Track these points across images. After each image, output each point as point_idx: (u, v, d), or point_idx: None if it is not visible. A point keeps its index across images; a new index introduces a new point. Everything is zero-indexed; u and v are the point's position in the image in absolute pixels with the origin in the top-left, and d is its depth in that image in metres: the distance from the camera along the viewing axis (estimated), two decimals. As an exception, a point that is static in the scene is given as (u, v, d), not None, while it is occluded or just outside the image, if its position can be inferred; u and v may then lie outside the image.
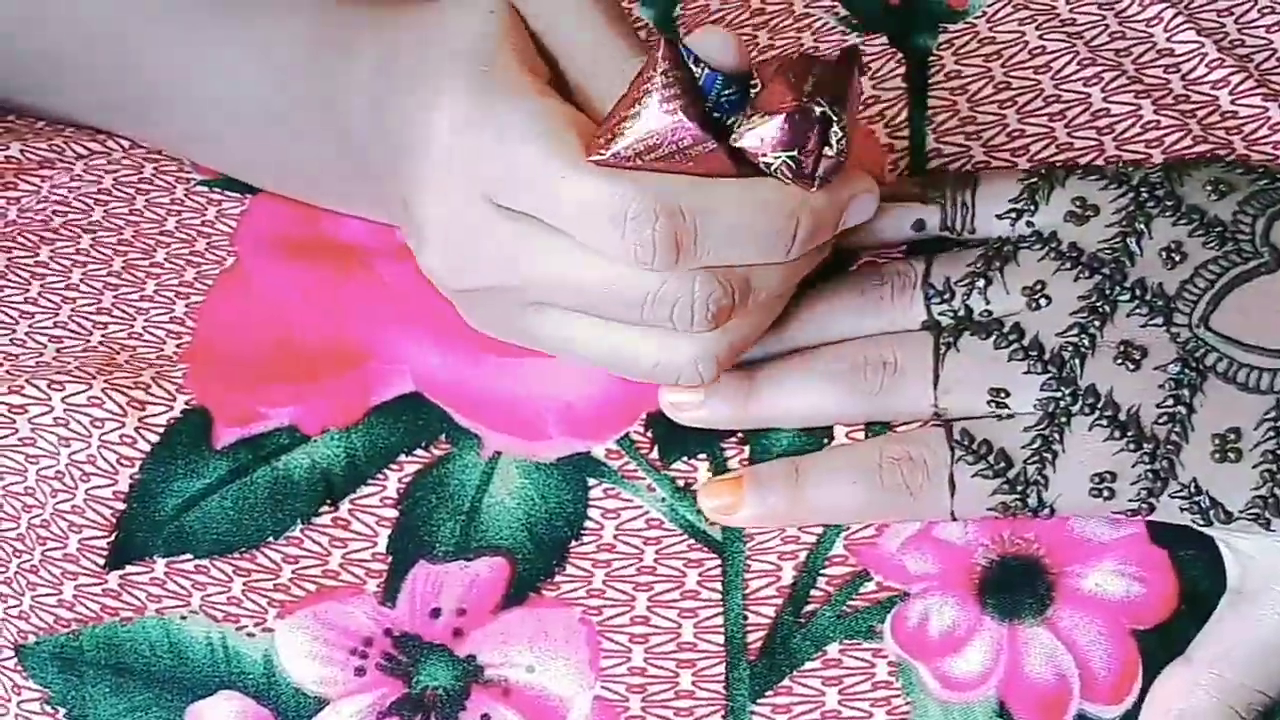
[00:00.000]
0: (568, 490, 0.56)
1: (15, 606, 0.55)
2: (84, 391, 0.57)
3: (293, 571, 0.55)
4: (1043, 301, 0.54)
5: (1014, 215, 0.55)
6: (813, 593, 0.54)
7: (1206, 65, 0.58)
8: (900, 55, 0.60)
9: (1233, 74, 0.58)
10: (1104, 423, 0.52)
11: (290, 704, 0.54)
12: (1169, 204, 0.54)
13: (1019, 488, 0.52)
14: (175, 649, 0.54)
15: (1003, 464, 0.52)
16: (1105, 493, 0.52)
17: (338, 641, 0.54)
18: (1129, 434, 0.52)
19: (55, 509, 0.56)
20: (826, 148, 0.49)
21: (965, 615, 0.53)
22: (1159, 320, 0.53)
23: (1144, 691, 0.52)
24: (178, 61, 0.59)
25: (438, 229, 0.52)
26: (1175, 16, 0.59)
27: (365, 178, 0.56)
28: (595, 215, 0.49)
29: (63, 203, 0.62)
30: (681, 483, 0.55)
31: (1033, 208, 0.55)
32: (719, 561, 0.54)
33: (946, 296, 0.55)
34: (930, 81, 0.60)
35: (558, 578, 0.54)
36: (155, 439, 0.56)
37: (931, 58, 0.60)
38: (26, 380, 0.57)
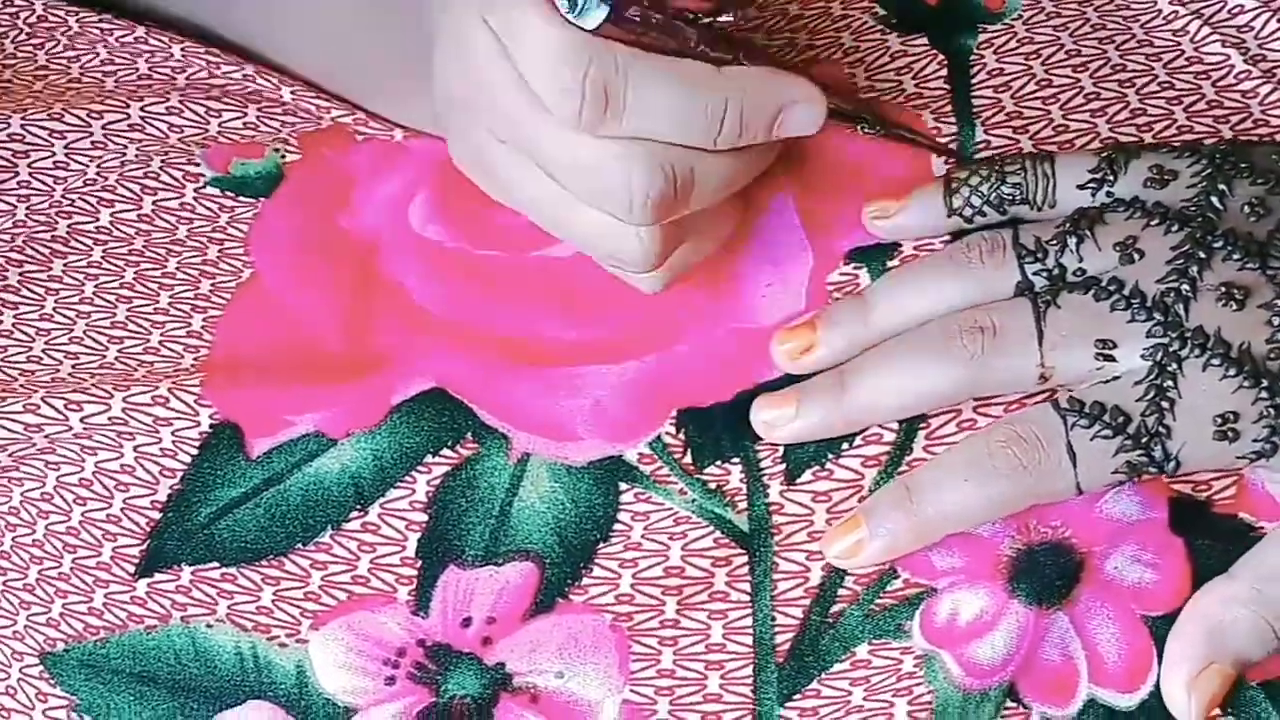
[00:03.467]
0: (599, 495, 0.55)
1: (42, 614, 0.55)
2: (104, 412, 0.56)
3: (322, 579, 0.54)
4: (1136, 255, 0.53)
5: (1095, 185, 0.55)
6: (840, 592, 0.53)
7: (1235, 76, 0.58)
8: (941, 57, 0.59)
9: (1261, 84, 0.58)
10: (1217, 362, 0.51)
11: (320, 714, 0.53)
12: (1244, 166, 0.54)
13: (1142, 441, 0.51)
14: (202, 658, 0.54)
15: (1121, 419, 0.51)
16: (1230, 434, 0.51)
17: (371, 652, 0.53)
18: (1245, 370, 0.51)
19: (85, 516, 0.55)
20: None
21: (993, 602, 0.52)
22: (1254, 264, 0.52)
23: (1160, 681, 0.51)
24: None
25: (441, 41, 0.54)
26: (1201, 27, 0.59)
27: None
28: (539, 53, 0.50)
29: (70, 203, 0.61)
30: (714, 485, 0.54)
31: (1112, 177, 0.55)
32: (746, 559, 0.53)
33: (1040, 255, 0.54)
34: (973, 80, 0.59)
35: (585, 581, 0.54)
36: (194, 451, 0.56)
37: (973, 56, 0.59)
38: (43, 398, 0.57)
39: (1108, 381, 0.52)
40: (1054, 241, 0.54)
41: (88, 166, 0.62)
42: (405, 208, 0.60)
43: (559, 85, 0.50)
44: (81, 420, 0.56)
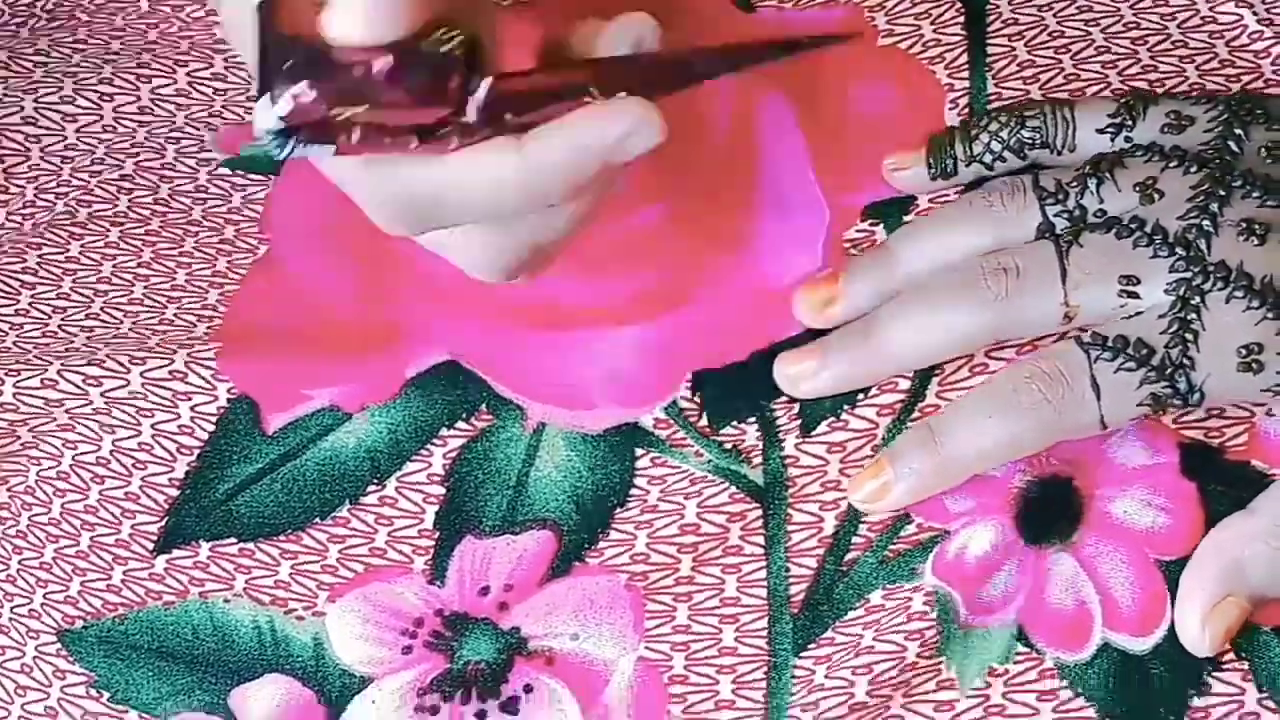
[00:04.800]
0: (615, 461, 0.54)
1: (59, 592, 0.54)
2: (123, 386, 0.56)
3: (340, 552, 0.54)
4: (1156, 195, 0.52)
5: (1114, 130, 0.54)
6: (854, 540, 0.52)
7: (1248, 36, 0.58)
8: (959, 5, 0.59)
9: (1273, 44, 0.57)
10: (1240, 293, 0.51)
11: (335, 684, 0.53)
12: (1259, 113, 0.54)
13: (1166, 372, 0.51)
14: (220, 632, 0.54)
15: (1144, 351, 0.51)
16: (1255, 365, 0.50)
17: (388, 623, 0.53)
18: (1268, 301, 0.50)
19: (104, 494, 0.55)
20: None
21: (1002, 537, 0.51)
22: (1274, 201, 0.52)
23: (1174, 624, 0.50)
24: None
25: None
26: None
27: None
28: (352, 191, 0.47)
29: (86, 190, 0.62)
30: (729, 445, 0.54)
31: (1131, 123, 0.54)
32: (760, 512, 0.53)
33: (1060, 197, 0.53)
34: (988, 29, 0.59)
35: (601, 544, 0.53)
36: (211, 428, 0.56)
37: (989, 6, 0.59)
38: (59, 371, 0.57)
39: (1131, 318, 0.51)
40: (1074, 183, 0.53)
41: (96, 147, 0.62)
42: None
43: (379, 221, 0.47)
44: (102, 395, 0.56)
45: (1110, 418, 0.51)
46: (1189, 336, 0.51)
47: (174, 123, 0.63)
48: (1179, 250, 0.51)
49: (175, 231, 0.60)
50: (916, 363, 0.53)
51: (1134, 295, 0.51)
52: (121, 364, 0.57)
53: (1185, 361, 0.51)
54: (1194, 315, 0.51)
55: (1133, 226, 0.52)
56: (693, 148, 0.58)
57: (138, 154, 0.62)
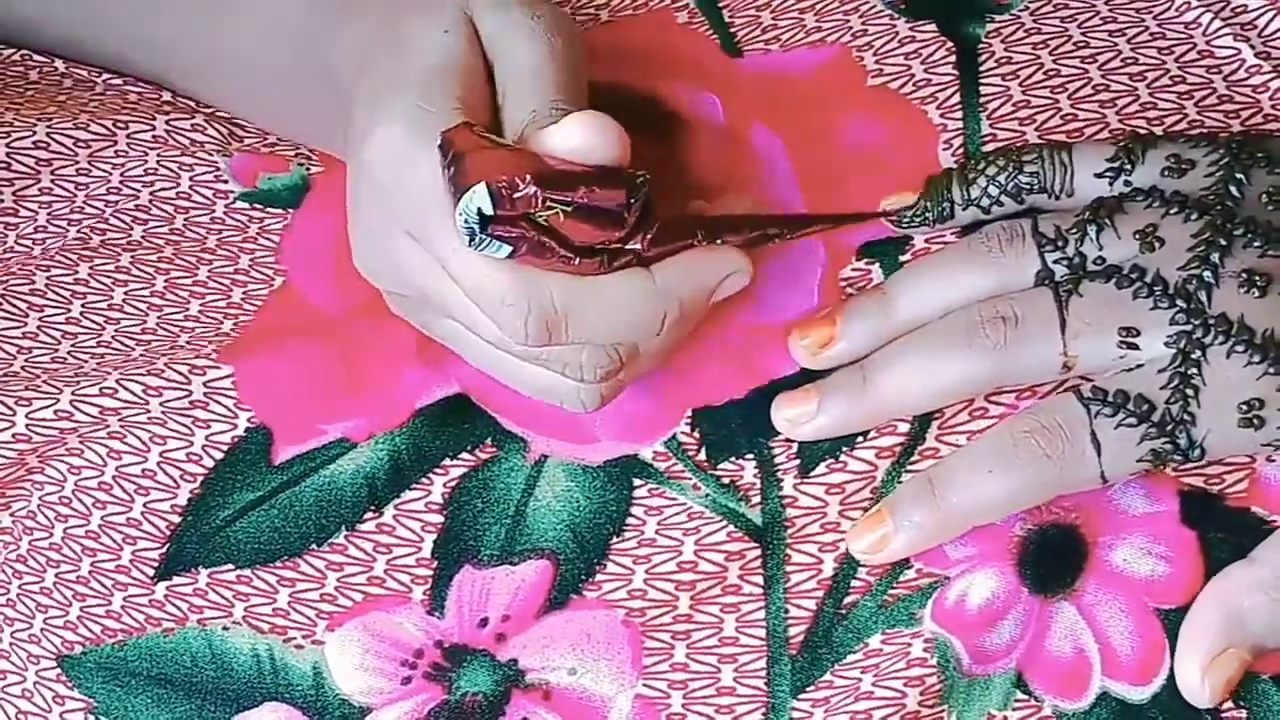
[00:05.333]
0: (613, 490, 0.54)
1: (59, 617, 0.55)
2: (143, 414, 0.56)
3: (338, 580, 0.54)
4: (1157, 243, 0.52)
5: (1112, 174, 0.54)
6: (853, 583, 0.52)
7: (1245, 70, 0.58)
8: (950, 44, 0.59)
9: (1271, 79, 0.57)
10: (1241, 348, 0.51)
11: (335, 715, 0.53)
12: (1260, 157, 0.54)
13: (1167, 429, 0.51)
14: (218, 660, 0.54)
15: (1145, 407, 0.51)
16: (1255, 421, 0.51)
17: (388, 653, 0.53)
18: (1269, 356, 0.50)
19: (105, 520, 0.55)
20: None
21: (1004, 585, 0.51)
22: (1275, 251, 0.52)
23: (1173, 672, 0.50)
24: (194, 26, 0.61)
25: (358, 235, 0.54)
26: (1213, 21, 0.59)
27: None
28: (480, 293, 0.50)
29: (100, 219, 0.61)
30: (728, 481, 0.54)
31: (1130, 166, 0.54)
32: (759, 552, 0.53)
33: (1060, 244, 0.53)
34: (981, 68, 0.58)
35: (599, 576, 0.53)
36: (220, 455, 0.56)
37: (980, 45, 0.59)
38: (71, 402, 0.57)
39: (1130, 370, 0.51)
40: (1074, 230, 0.53)
41: (110, 173, 0.62)
42: None
43: (504, 324, 0.50)
44: (120, 422, 0.56)
45: (1110, 473, 0.51)
46: (1190, 392, 0.51)
47: (188, 150, 0.63)
48: (1179, 302, 0.51)
49: (188, 260, 0.60)
50: (913, 409, 0.53)
51: (1133, 347, 0.51)
52: (136, 394, 0.57)
53: (1186, 417, 0.51)
54: (1194, 370, 0.51)
55: (1133, 276, 0.52)
56: (687, 184, 0.58)
57: (153, 183, 0.62)
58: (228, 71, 0.61)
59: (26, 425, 0.57)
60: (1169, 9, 0.59)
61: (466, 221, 0.48)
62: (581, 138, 0.49)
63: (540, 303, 0.50)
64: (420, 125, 0.51)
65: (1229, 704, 0.50)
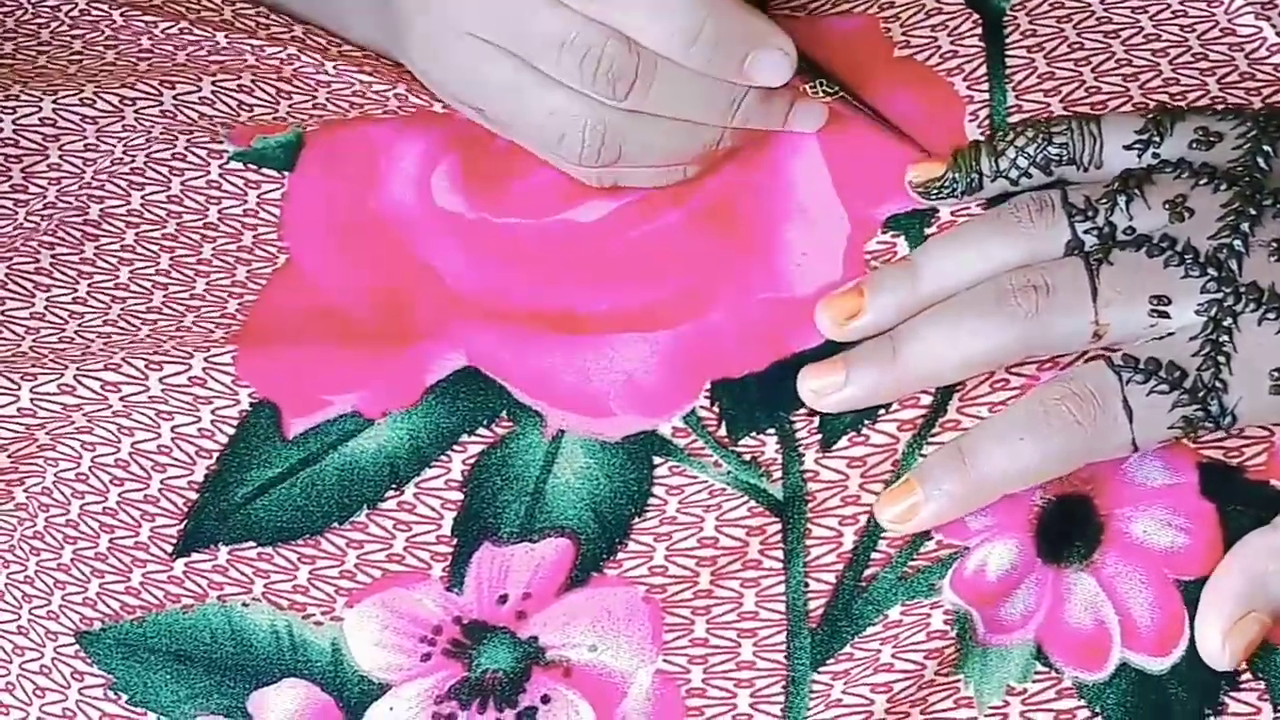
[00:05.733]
0: (633, 469, 0.54)
1: (78, 593, 0.54)
2: (143, 392, 0.56)
3: (358, 557, 0.54)
4: (1186, 213, 0.52)
5: (1141, 146, 0.54)
6: (873, 556, 0.52)
7: (1267, 49, 0.58)
8: (976, 16, 0.59)
9: None
10: (1272, 315, 0.51)
11: (354, 690, 0.52)
12: None
13: (1199, 395, 0.50)
14: (238, 636, 0.54)
15: (1177, 374, 0.50)
16: None
17: (407, 629, 0.53)
18: None
19: (123, 497, 0.55)
20: None
21: (1022, 556, 0.51)
22: None
23: (1194, 642, 0.50)
24: None
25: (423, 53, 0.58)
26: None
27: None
28: (560, 49, 0.55)
29: (99, 187, 0.61)
30: (748, 457, 0.54)
31: (1158, 138, 0.54)
32: (780, 526, 0.52)
33: (1090, 214, 0.53)
34: (1007, 39, 0.58)
35: (620, 555, 0.53)
36: (231, 431, 0.56)
37: (1006, 18, 0.59)
38: (75, 377, 0.57)
39: (1161, 338, 0.51)
40: (1104, 200, 0.53)
41: (115, 146, 0.62)
42: (428, 181, 0.60)
43: (585, 78, 0.54)
44: (121, 400, 0.56)
45: (1142, 440, 0.51)
46: (1221, 359, 0.50)
47: (195, 124, 0.62)
48: (1210, 270, 0.51)
49: (192, 236, 0.60)
50: (942, 379, 0.53)
51: (1164, 315, 0.51)
52: (139, 369, 0.57)
53: (1218, 384, 0.50)
54: (1226, 337, 0.51)
55: (1163, 245, 0.52)
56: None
57: (149, 147, 0.62)
58: None
59: (31, 400, 0.57)
60: None
61: None
62: None
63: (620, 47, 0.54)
64: None
65: (1247, 674, 0.50)
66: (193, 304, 0.59)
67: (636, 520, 0.53)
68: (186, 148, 0.61)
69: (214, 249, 0.60)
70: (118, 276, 0.60)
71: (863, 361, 0.53)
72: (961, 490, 0.51)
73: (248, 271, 0.59)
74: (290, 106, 0.62)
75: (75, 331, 0.58)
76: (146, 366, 0.56)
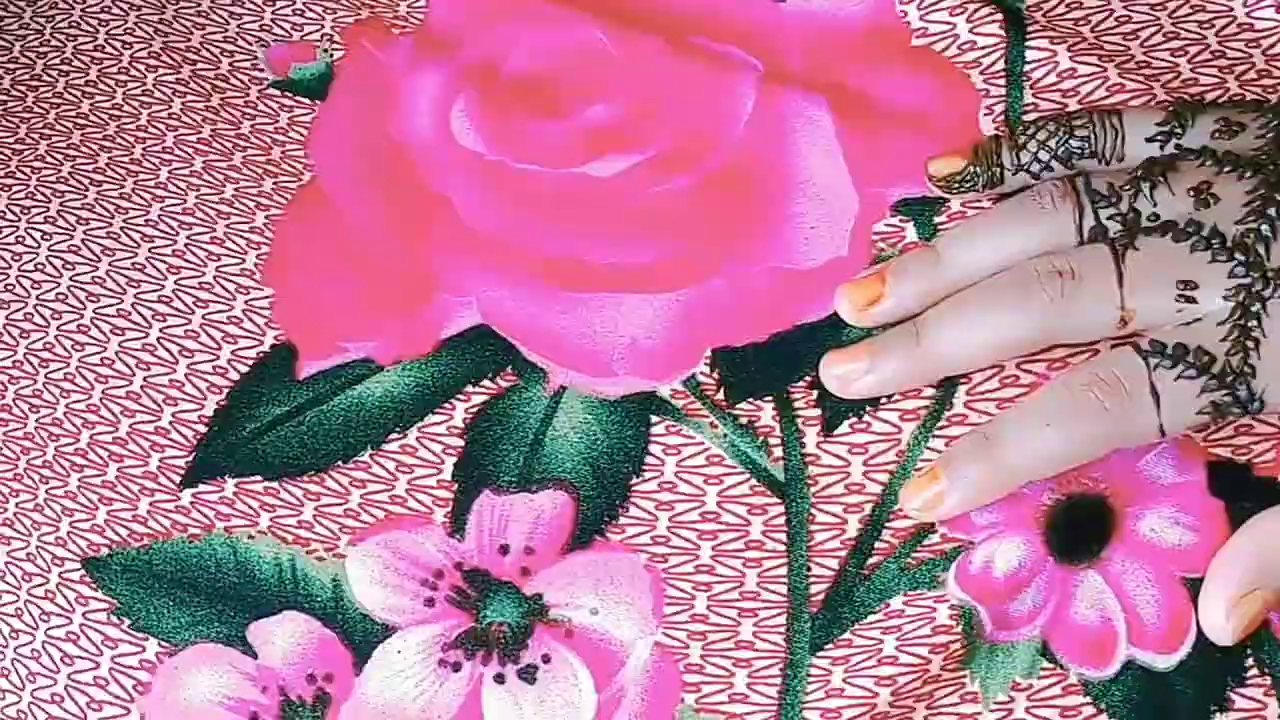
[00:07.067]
0: (630, 426, 0.54)
1: (86, 520, 0.55)
2: (183, 325, 0.56)
3: (361, 496, 0.54)
4: (1212, 200, 0.51)
5: (1163, 138, 0.53)
6: (877, 545, 0.52)
7: None
8: (995, 5, 0.58)
9: None
10: None
11: (357, 628, 0.53)
12: None
13: (1227, 380, 0.50)
14: (241, 567, 0.54)
15: (1205, 359, 0.50)
16: None
17: (408, 571, 0.53)
18: None
19: (134, 428, 0.55)
20: None
21: (1030, 553, 0.51)
22: None
23: (1200, 640, 0.50)
24: None
25: None
26: None
27: None
28: None
29: (148, 94, 0.62)
30: (745, 420, 0.54)
31: (1180, 130, 0.53)
32: (782, 509, 0.53)
33: (1113, 200, 0.52)
34: (1028, 31, 0.57)
35: (622, 520, 0.53)
36: (245, 369, 0.56)
37: (1025, 14, 0.58)
38: (118, 309, 0.57)
39: (1189, 324, 0.51)
40: (1127, 186, 0.52)
41: (153, 40, 0.62)
42: (447, 114, 0.60)
43: None
44: (161, 330, 0.57)
45: (1170, 426, 0.50)
46: (1250, 344, 0.50)
47: (226, 31, 0.62)
48: (1238, 255, 0.50)
49: (224, 144, 0.60)
50: (967, 365, 0.52)
51: (1191, 300, 0.50)
52: (186, 304, 0.57)
53: (1247, 369, 0.50)
54: (1254, 322, 0.50)
55: (1189, 230, 0.51)
56: (721, 123, 0.58)
57: (195, 62, 0.61)
58: None
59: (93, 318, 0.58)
60: None
61: None
62: None
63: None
64: None
65: (1254, 670, 0.50)
66: (222, 209, 0.59)
67: (635, 481, 0.54)
68: (230, 70, 0.62)
69: (244, 157, 0.60)
70: (158, 176, 0.60)
71: (887, 348, 0.53)
72: (987, 477, 0.50)
73: (274, 184, 0.59)
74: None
75: (120, 228, 0.59)
76: (195, 304, 0.57)
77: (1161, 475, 0.52)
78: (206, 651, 0.53)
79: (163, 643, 0.54)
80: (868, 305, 0.54)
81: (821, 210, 0.56)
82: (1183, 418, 0.50)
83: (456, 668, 0.52)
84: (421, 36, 0.61)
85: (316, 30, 0.62)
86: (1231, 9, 0.57)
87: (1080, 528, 0.51)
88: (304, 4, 0.62)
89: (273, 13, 0.63)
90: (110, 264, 0.58)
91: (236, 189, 0.59)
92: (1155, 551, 0.51)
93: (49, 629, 0.54)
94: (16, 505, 0.55)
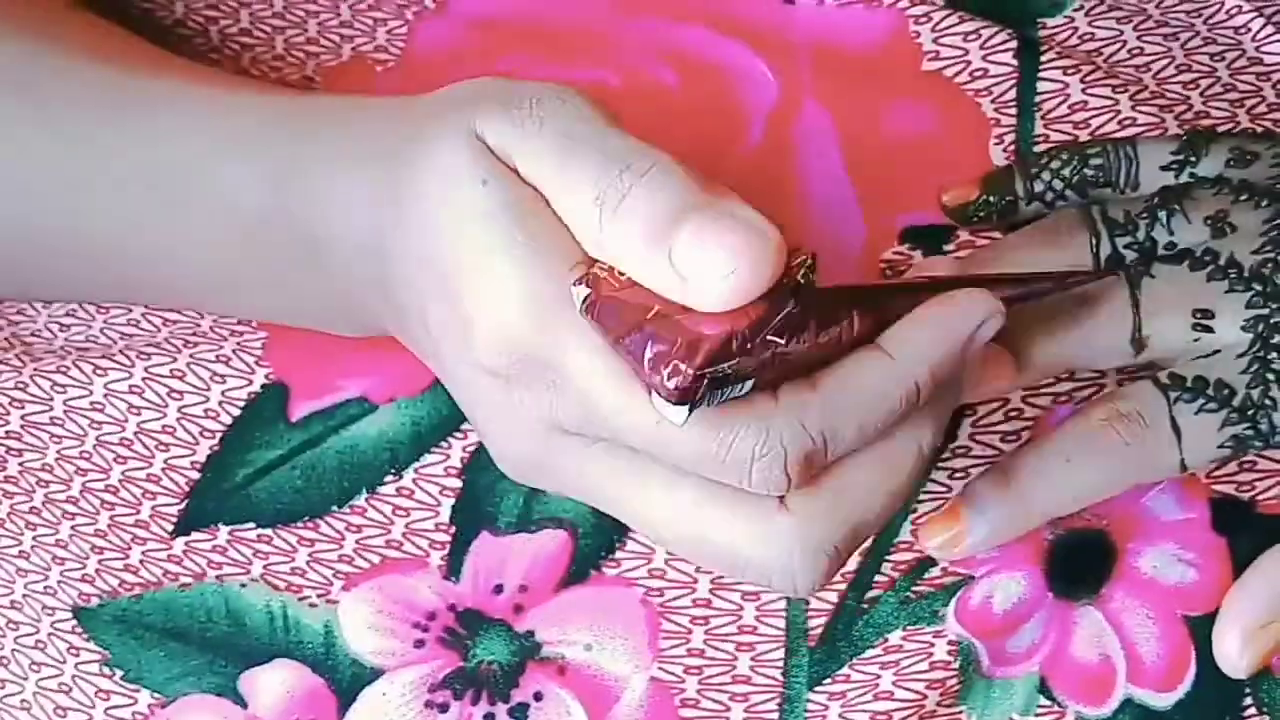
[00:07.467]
0: None
1: (77, 570, 0.54)
2: (168, 364, 0.55)
3: (356, 541, 0.53)
4: (1228, 229, 0.51)
5: (1177, 167, 0.52)
6: (876, 578, 0.51)
7: None
8: (1010, 32, 0.56)
9: None
10: None
11: (346, 674, 0.52)
12: None
13: (1248, 414, 0.49)
14: (233, 616, 0.53)
15: (1225, 392, 0.49)
16: None
17: (401, 615, 0.52)
18: None
19: (125, 475, 0.54)
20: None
21: (1030, 589, 0.50)
22: None
23: (1199, 679, 0.49)
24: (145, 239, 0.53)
25: (496, 442, 0.47)
26: (1264, 26, 0.57)
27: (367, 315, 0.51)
28: (711, 463, 0.43)
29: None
30: None
31: (1195, 159, 0.52)
32: None
33: (1130, 228, 0.51)
34: (1041, 60, 0.56)
35: (619, 554, 0.52)
36: (236, 412, 0.55)
37: (1041, 41, 0.57)
38: (122, 351, 0.56)
39: (1207, 356, 0.50)
40: (1143, 215, 0.51)
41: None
42: None
43: (754, 485, 0.43)
44: (146, 370, 0.55)
45: (1191, 461, 0.49)
46: (1270, 376, 0.49)
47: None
48: (1255, 285, 0.49)
49: None
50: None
51: (1208, 329, 0.50)
52: (174, 345, 0.56)
53: (1268, 402, 0.49)
54: (1274, 354, 0.49)
55: (1206, 259, 0.50)
56: (726, 149, 0.57)
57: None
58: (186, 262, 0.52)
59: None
60: (1218, 11, 0.57)
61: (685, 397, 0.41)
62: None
63: (796, 437, 0.42)
64: (537, 310, 0.44)
65: (1252, 709, 0.49)
66: None
67: None
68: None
69: None
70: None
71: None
72: (1007, 516, 0.49)
73: None
74: (285, 42, 0.61)
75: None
76: (184, 345, 0.55)
77: (1163, 511, 0.51)
78: (198, 703, 0.53)
79: (155, 694, 0.53)
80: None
81: (828, 237, 0.55)
82: (1204, 452, 0.49)
83: (444, 709, 0.51)
84: (406, 74, 0.60)
85: (297, 74, 0.61)
86: (1240, 42, 0.57)
87: (1080, 563, 0.50)
88: (284, 49, 0.61)
89: (251, 58, 0.61)
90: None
91: None
92: (1156, 588, 0.50)
93: (40, 679, 0.53)
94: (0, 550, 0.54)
